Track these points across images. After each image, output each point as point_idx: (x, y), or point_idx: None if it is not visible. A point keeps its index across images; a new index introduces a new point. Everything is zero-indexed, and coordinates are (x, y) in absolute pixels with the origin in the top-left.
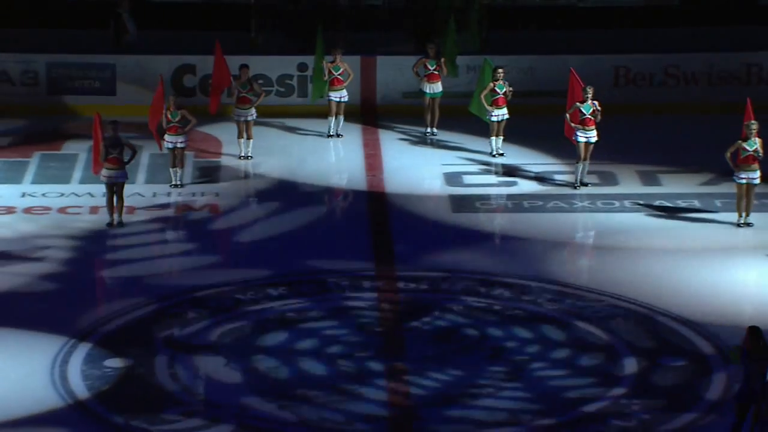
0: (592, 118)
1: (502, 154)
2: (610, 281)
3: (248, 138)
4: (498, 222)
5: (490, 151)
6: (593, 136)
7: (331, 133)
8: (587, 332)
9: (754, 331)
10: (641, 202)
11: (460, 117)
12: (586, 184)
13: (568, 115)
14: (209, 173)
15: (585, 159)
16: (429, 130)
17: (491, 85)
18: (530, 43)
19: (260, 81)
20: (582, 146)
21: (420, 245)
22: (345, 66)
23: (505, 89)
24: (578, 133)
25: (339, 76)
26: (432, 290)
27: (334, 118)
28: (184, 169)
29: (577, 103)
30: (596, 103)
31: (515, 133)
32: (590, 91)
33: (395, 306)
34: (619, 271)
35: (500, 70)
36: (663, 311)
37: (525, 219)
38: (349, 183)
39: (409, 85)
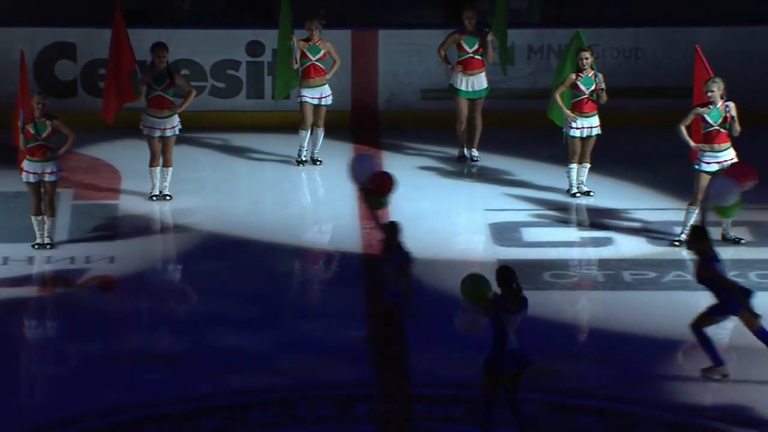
0: (724, 130)
1: (588, 193)
2: None
3: (166, 165)
4: (582, 306)
5: (568, 187)
6: (729, 157)
7: (304, 158)
8: None
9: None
10: None
11: (516, 130)
12: (737, 241)
13: (682, 128)
14: (99, 225)
15: None
16: (465, 151)
17: (572, 77)
18: (633, 7)
19: (186, 71)
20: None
21: (450, 344)
22: (327, 47)
23: (594, 85)
24: (703, 159)
25: (317, 63)
26: (470, 419)
27: (309, 132)
28: (56, 219)
29: (698, 108)
30: (730, 106)
31: (610, 158)
32: (718, 88)
33: None
34: None
35: (586, 54)
36: None
37: (626, 301)
38: (333, 240)
39: (433, 77)
